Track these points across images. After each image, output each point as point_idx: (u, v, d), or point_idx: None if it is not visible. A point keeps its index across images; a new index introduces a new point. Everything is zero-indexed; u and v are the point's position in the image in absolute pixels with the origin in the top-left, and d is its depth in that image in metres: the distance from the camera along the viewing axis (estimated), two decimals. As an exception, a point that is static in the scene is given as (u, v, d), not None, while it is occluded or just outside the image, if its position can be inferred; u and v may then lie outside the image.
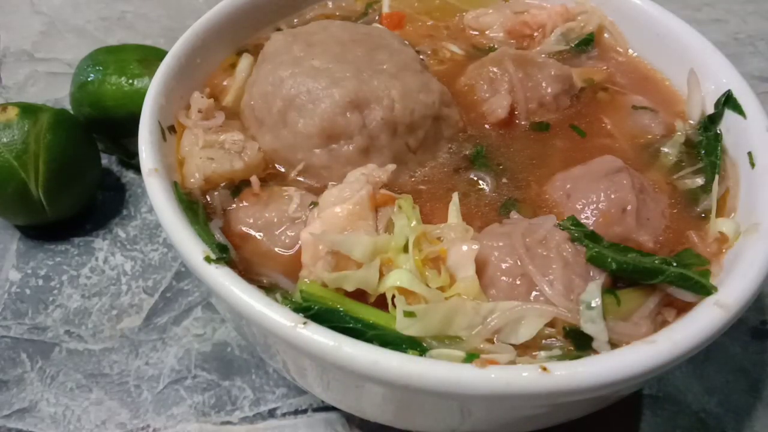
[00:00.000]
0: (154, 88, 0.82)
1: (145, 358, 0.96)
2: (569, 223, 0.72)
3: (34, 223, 1.08)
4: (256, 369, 0.95)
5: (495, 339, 0.65)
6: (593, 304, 0.65)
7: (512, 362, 0.62)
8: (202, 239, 0.69)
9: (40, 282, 1.04)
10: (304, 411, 0.91)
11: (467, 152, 0.86)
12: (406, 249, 0.69)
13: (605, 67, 0.99)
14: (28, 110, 1.00)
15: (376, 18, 1.06)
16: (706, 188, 0.81)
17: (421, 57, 0.95)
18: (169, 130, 0.82)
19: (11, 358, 0.96)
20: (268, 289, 0.70)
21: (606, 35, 1.03)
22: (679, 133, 0.87)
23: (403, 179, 0.82)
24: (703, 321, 0.63)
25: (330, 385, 0.72)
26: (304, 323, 0.61)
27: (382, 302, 0.67)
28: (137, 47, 1.15)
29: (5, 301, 1.02)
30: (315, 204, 0.76)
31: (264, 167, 0.83)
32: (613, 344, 0.64)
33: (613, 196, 0.75)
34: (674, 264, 0.69)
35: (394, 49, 0.88)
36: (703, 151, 0.84)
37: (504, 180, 0.83)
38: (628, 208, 0.75)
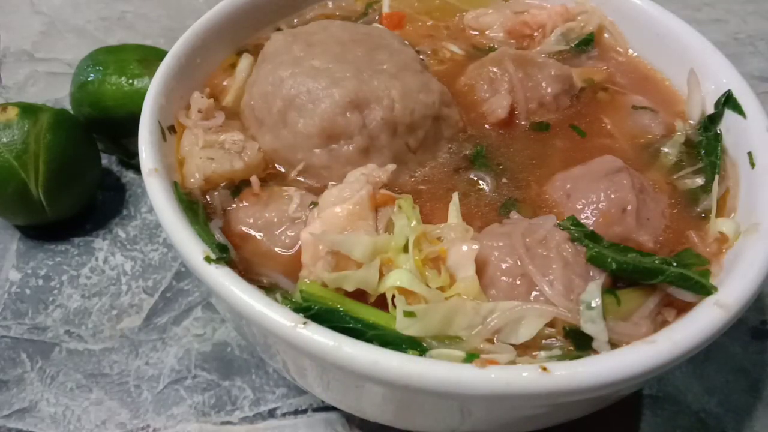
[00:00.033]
0: (154, 88, 0.82)
1: (145, 358, 0.96)
2: (569, 223, 0.72)
3: (34, 223, 1.08)
4: (256, 369, 0.95)
5: (495, 339, 0.65)
6: (593, 304, 0.65)
7: (512, 362, 0.62)
8: (202, 239, 0.69)
9: (40, 282, 1.04)
10: (304, 411, 0.91)
11: (467, 152, 0.86)
12: (406, 249, 0.69)
13: (605, 67, 0.99)
14: (28, 110, 1.00)
15: (376, 18, 1.06)
16: (706, 188, 0.81)
17: (421, 57, 0.95)
18: (169, 130, 0.82)
19: (11, 358, 0.96)
20: (268, 289, 0.70)
21: (606, 35, 1.03)
22: (679, 133, 0.87)
23: (403, 179, 0.82)
24: (703, 321, 0.63)
25: (330, 385, 0.72)
26: (304, 323, 0.61)
27: (382, 302, 0.67)
28: (137, 47, 1.15)
29: (5, 301, 1.02)
30: (315, 204, 0.76)
31: (264, 167, 0.83)
32: (613, 344, 0.64)
33: (613, 196, 0.75)
34: (674, 264, 0.69)
35: (394, 49, 0.88)
36: (703, 151, 0.84)
37: (504, 180, 0.83)
38: (628, 208, 0.75)
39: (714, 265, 0.71)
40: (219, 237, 0.73)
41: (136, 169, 1.00)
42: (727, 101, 0.85)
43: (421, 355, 0.62)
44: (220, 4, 0.95)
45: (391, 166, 0.78)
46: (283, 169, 0.83)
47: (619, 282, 0.70)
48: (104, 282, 1.04)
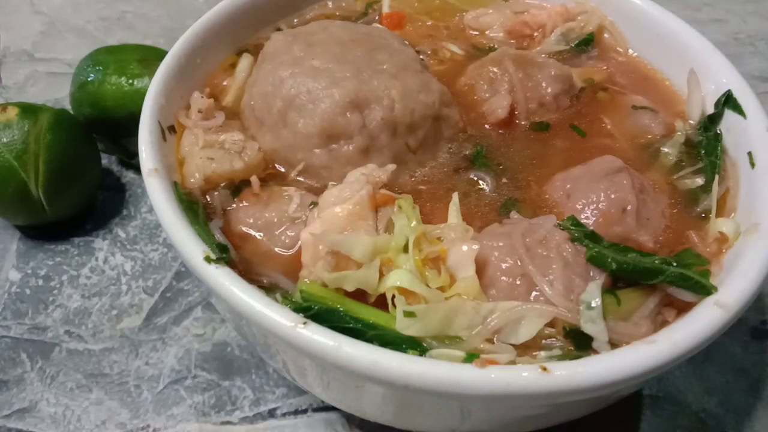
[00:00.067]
0: (154, 88, 0.82)
1: (145, 358, 0.96)
2: (569, 223, 0.72)
3: (34, 223, 1.08)
4: (256, 369, 0.95)
5: (495, 339, 0.65)
6: (593, 304, 0.65)
7: (512, 362, 0.62)
8: (202, 239, 0.69)
9: (40, 282, 1.04)
10: (304, 411, 0.91)
11: (467, 152, 0.86)
12: (406, 249, 0.69)
13: (605, 67, 0.99)
14: (28, 110, 1.00)
15: (376, 18, 1.06)
16: (706, 188, 0.81)
17: (421, 57, 0.95)
18: (169, 130, 0.82)
19: (11, 358, 0.96)
20: (268, 289, 0.70)
21: (606, 35, 1.03)
22: (679, 133, 0.87)
23: (403, 179, 0.82)
24: (703, 321, 0.63)
25: (330, 385, 0.72)
26: (304, 323, 0.61)
27: (382, 302, 0.67)
28: (137, 47, 1.15)
29: (5, 301, 1.02)
30: (315, 204, 0.76)
31: (264, 167, 0.83)
32: (613, 344, 0.64)
33: (613, 196, 0.75)
34: (674, 264, 0.69)
35: (394, 49, 0.88)
36: (703, 151, 0.84)
37: (504, 180, 0.83)
38: (628, 208, 0.75)
39: (714, 265, 0.71)
40: (219, 237, 0.73)
41: (136, 169, 1.00)
42: (727, 101, 0.85)
43: (421, 355, 0.62)
44: (220, 4, 0.95)
45: (391, 166, 0.78)
46: (283, 169, 0.83)
47: (619, 282, 0.70)
48: (104, 282, 1.04)
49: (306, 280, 0.69)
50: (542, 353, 0.65)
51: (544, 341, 0.66)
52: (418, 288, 0.65)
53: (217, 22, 0.93)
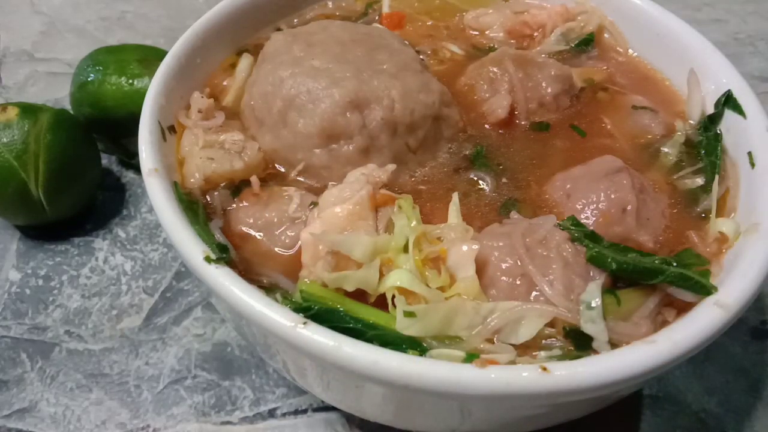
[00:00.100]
0: (154, 88, 0.82)
1: (145, 358, 0.96)
2: (569, 223, 0.72)
3: (34, 223, 1.08)
4: (256, 369, 0.95)
5: (495, 339, 0.65)
6: (593, 304, 0.65)
7: (512, 362, 0.62)
8: (202, 239, 0.69)
9: (40, 282, 1.04)
10: (304, 411, 0.91)
11: (467, 152, 0.86)
12: (406, 249, 0.69)
13: (605, 67, 0.99)
14: (28, 110, 1.00)
15: (376, 18, 1.06)
16: (706, 188, 0.81)
17: (421, 57, 0.95)
18: (169, 130, 0.82)
19: (11, 358, 0.96)
20: (268, 289, 0.70)
21: (606, 35, 1.03)
22: (679, 133, 0.87)
23: (403, 179, 0.82)
24: (703, 321, 0.63)
25: (330, 385, 0.72)
26: (304, 323, 0.61)
27: (382, 302, 0.67)
28: (137, 47, 1.15)
29: (5, 301, 1.02)
30: (315, 204, 0.76)
31: (264, 167, 0.83)
32: (613, 344, 0.64)
33: (613, 196, 0.75)
34: (674, 264, 0.69)
35: (394, 49, 0.88)
36: (703, 151, 0.84)
37: (504, 180, 0.83)
38: (628, 208, 0.75)
39: (714, 265, 0.71)
40: (219, 237, 0.73)
41: (136, 169, 1.00)
42: (727, 101, 0.85)
43: (421, 355, 0.62)
44: (220, 4, 0.95)
45: (391, 166, 0.78)
46: (283, 169, 0.83)
47: (619, 282, 0.70)
48: (104, 282, 1.04)
49: (306, 280, 0.69)
50: (542, 353, 0.65)
51: (544, 341, 0.66)
52: (418, 288, 0.65)
53: (217, 22, 0.93)
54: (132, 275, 1.05)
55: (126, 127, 1.05)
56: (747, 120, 0.82)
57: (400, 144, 0.82)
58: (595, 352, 0.64)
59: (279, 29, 1.01)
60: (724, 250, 0.73)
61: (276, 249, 0.75)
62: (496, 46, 1.01)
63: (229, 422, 0.90)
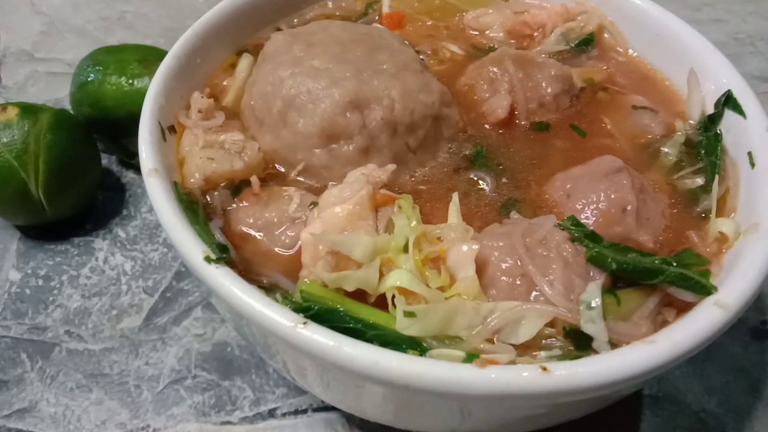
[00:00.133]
0: (154, 88, 0.82)
1: (145, 358, 0.96)
2: (569, 223, 0.72)
3: (34, 223, 1.08)
4: (256, 369, 0.95)
5: (495, 339, 0.65)
6: (593, 304, 0.65)
7: (512, 362, 0.62)
8: (202, 239, 0.69)
9: (40, 282, 1.04)
10: (304, 411, 0.91)
11: (467, 152, 0.86)
12: (406, 249, 0.68)
13: (605, 67, 0.99)
14: (28, 110, 1.00)
15: (376, 18, 1.06)
16: (706, 188, 0.81)
17: (421, 57, 0.95)
18: (169, 130, 0.82)
19: (11, 358, 0.96)
20: (268, 289, 0.70)
21: (606, 35, 1.03)
22: (679, 133, 0.87)
23: (403, 179, 0.82)
24: (703, 321, 0.63)
25: (330, 385, 0.72)
26: (304, 323, 0.61)
27: (382, 302, 0.67)
28: (137, 47, 1.15)
29: (5, 301, 1.02)
30: (315, 204, 0.76)
31: (264, 167, 0.83)
32: (613, 344, 0.64)
33: (613, 196, 0.75)
34: (674, 264, 0.69)
35: (394, 49, 0.88)
36: (703, 151, 0.84)
37: (504, 180, 0.83)
38: (628, 208, 0.75)
39: (714, 265, 0.71)
40: (219, 237, 0.73)
41: (136, 169, 1.00)
42: (727, 101, 0.85)
43: (421, 355, 0.62)
44: (220, 4, 0.95)
45: (391, 166, 0.78)
46: (283, 169, 0.83)
47: (619, 282, 0.70)
48: (104, 282, 1.04)
49: (306, 280, 0.69)
50: (542, 353, 0.65)
51: (544, 341, 0.66)
52: (418, 288, 0.65)
53: (217, 22, 0.93)
54: (132, 275, 1.05)
55: (126, 127, 1.05)
56: (747, 120, 0.82)
57: (400, 144, 0.82)
58: (595, 352, 0.64)
59: (279, 29, 1.01)
60: (724, 250, 0.73)
61: (276, 249, 0.75)
62: (496, 46, 1.01)
63: (229, 422, 0.90)
